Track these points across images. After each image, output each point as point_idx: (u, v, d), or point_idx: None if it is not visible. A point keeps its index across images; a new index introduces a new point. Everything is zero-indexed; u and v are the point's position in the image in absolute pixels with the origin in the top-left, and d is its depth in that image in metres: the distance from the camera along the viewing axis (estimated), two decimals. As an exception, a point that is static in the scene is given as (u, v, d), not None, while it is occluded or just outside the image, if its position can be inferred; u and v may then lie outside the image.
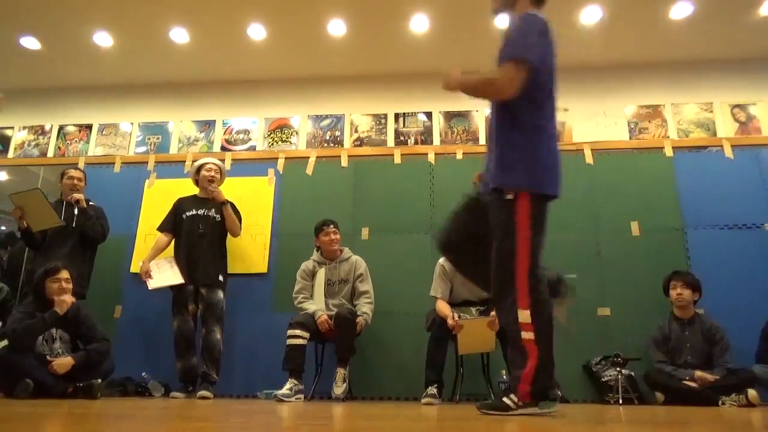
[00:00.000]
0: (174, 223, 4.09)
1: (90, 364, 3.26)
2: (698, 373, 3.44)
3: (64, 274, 3.34)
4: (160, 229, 4.12)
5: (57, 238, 3.95)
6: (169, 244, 4.10)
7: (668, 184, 4.42)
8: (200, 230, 3.97)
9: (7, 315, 3.60)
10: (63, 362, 3.15)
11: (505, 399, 2.01)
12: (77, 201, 4.03)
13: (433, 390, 3.43)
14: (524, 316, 1.97)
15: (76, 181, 4.15)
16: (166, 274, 3.95)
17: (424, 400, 3.38)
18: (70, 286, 3.36)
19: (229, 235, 4.12)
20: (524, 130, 2.07)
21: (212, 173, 4.14)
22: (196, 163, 4.24)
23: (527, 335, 1.98)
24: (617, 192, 4.44)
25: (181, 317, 3.87)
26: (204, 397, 3.59)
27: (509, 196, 2.03)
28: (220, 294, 3.92)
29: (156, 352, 4.18)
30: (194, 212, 4.04)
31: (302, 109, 5.30)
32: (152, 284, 3.92)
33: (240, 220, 4.18)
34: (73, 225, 3.97)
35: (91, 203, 4.15)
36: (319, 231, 4.01)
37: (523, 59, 2.01)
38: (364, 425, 1.39)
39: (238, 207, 4.22)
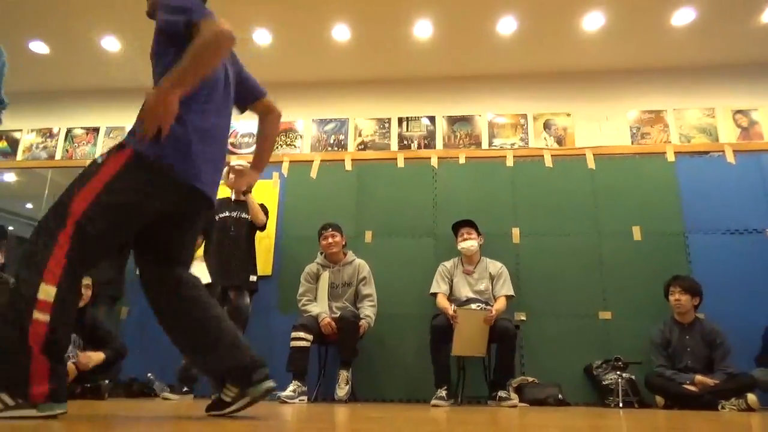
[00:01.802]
0: (205, 225, 4.12)
1: (114, 363, 3.34)
2: (698, 378, 3.47)
3: (86, 280, 3.40)
4: None
5: None
6: (200, 245, 4.13)
7: (670, 189, 4.45)
8: (232, 232, 4.01)
9: None
10: (94, 356, 3.22)
11: None
12: None
13: (441, 393, 3.55)
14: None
15: None
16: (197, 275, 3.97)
17: (432, 402, 3.50)
18: (90, 292, 3.41)
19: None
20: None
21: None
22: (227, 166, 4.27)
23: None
24: (619, 196, 4.47)
25: None
26: None
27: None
28: (248, 299, 3.97)
29: (161, 354, 4.21)
30: (227, 214, 4.08)
31: (306, 113, 5.35)
32: None
33: (267, 215, 4.20)
34: None
35: None
36: (319, 234, 4.07)
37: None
38: (366, 427, 1.43)
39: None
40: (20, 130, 5.60)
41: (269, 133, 2.21)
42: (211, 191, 1.80)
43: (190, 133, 1.71)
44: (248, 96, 2.12)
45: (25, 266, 1.52)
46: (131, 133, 1.70)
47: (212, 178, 1.80)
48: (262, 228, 4.17)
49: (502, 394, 3.53)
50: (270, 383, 1.79)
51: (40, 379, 1.46)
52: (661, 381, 3.60)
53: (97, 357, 3.23)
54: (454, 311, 3.64)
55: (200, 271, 3.97)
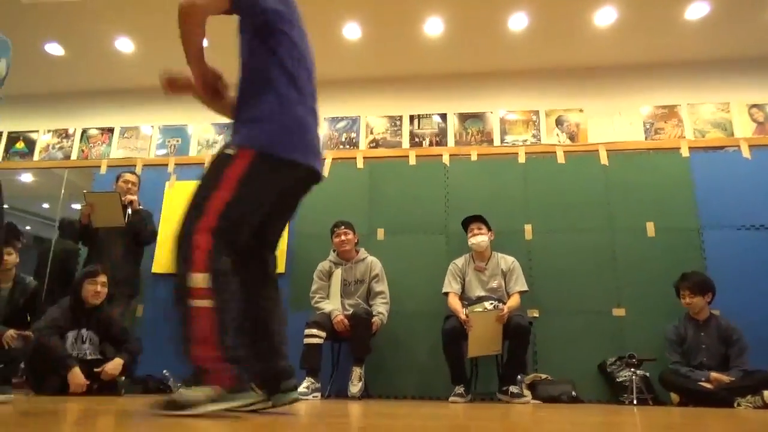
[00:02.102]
0: None
1: (130, 365, 3.40)
2: (713, 375, 3.44)
3: (102, 278, 3.44)
4: None
5: (111, 239, 4.06)
6: None
7: (684, 185, 4.41)
8: None
9: (36, 308, 3.74)
10: (116, 364, 3.28)
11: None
12: (131, 202, 4.16)
13: (460, 390, 3.58)
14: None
15: (130, 185, 4.28)
16: None
17: (450, 399, 3.56)
18: (106, 290, 3.46)
19: None
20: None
21: None
22: None
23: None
24: (632, 192, 4.44)
25: None
26: None
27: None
28: None
29: (177, 351, 4.27)
30: None
31: (318, 111, 5.36)
32: None
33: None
34: (125, 225, 4.07)
35: (140, 206, 4.27)
36: (332, 232, 4.09)
37: None
38: (379, 423, 1.44)
39: None
40: (37, 131, 5.68)
41: None
42: (321, 166, 1.85)
43: (302, 117, 1.78)
44: None
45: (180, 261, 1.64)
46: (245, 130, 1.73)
47: (320, 150, 1.86)
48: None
49: (513, 389, 3.53)
50: (295, 395, 1.83)
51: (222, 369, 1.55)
52: (675, 378, 3.57)
53: (116, 367, 3.28)
54: (467, 315, 3.62)
55: None
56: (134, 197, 4.21)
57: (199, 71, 1.84)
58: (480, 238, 3.96)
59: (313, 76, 1.98)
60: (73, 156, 5.52)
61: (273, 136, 1.70)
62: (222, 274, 1.59)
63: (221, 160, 1.69)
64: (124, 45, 5.00)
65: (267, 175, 1.70)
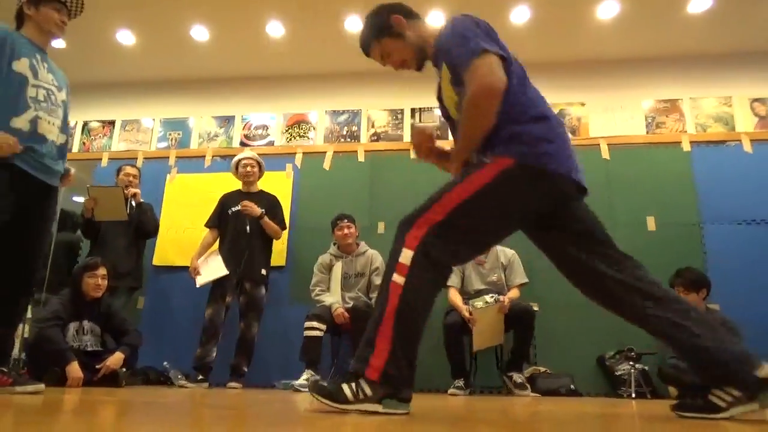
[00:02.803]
0: (219, 219, 4.15)
1: (131, 357, 3.41)
2: None
3: (102, 270, 3.44)
4: (207, 225, 4.18)
5: (114, 232, 4.06)
6: (216, 240, 4.16)
7: (685, 179, 4.40)
8: (246, 225, 4.03)
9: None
10: (116, 358, 3.28)
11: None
12: (134, 195, 4.16)
13: (459, 383, 3.60)
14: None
15: (131, 178, 4.28)
16: (212, 268, 4.01)
17: (450, 391, 3.58)
18: (106, 282, 3.47)
19: None
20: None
21: (248, 168, 4.19)
22: (234, 159, 4.30)
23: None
24: (633, 186, 4.44)
25: (216, 306, 3.91)
26: (233, 388, 3.71)
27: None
28: (263, 290, 4.01)
29: (177, 342, 4.29)
30: (239, 208, 4.06)
31: (320, 104, 5.37)
32: (200, 281, 3.99)
33: (281, 218, 4.22)
34: (129, 219, 4.07)
35: (142, 200, 4.28)
36: (334, 225, 4.08)
37: (483, 50, 1.59)
38: (383, 417, 1.45)
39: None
40: (38, 124, 5.67)
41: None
42: (582, 177, 1.74)
43: (553, 128, 1.67)
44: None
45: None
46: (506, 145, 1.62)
47: (575, 157, 1.73)
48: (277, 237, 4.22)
49: (518, 378, 3.54)
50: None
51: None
52: (674, 372, 3.58)
53: (117, 361, 3.29)
54: (470, 312, 3.62)
55: (216, 263, 4.02)
56: (137, 190, 4.21)
57: (467, 156, 1.69)
58: None
59: None
60: (75, 149, 5.52)
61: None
62: None
63: None
64: (126, 38, 5.00)
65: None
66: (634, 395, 3.53)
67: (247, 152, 4.39)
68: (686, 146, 4.56)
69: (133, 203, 4.15)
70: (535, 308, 4.15)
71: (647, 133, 4.82)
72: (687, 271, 3.71)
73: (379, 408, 1.46)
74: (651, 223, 4.32)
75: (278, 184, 4.77)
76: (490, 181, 1.57)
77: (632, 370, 3.60)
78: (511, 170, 1.57)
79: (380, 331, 1.51)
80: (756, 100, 4.77)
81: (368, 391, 1.47)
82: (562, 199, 1.72)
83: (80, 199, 4.15)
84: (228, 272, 3.93)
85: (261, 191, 4.24)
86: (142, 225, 4.15)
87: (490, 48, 1.60)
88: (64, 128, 2.53)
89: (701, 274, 3.68)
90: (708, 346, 1.52)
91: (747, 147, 4.49)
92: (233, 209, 4.10)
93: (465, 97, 1.59)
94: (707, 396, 1.54)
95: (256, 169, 4.22)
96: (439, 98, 1.89)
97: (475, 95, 1.57)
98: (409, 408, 1.53)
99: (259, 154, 4.39)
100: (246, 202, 4.01)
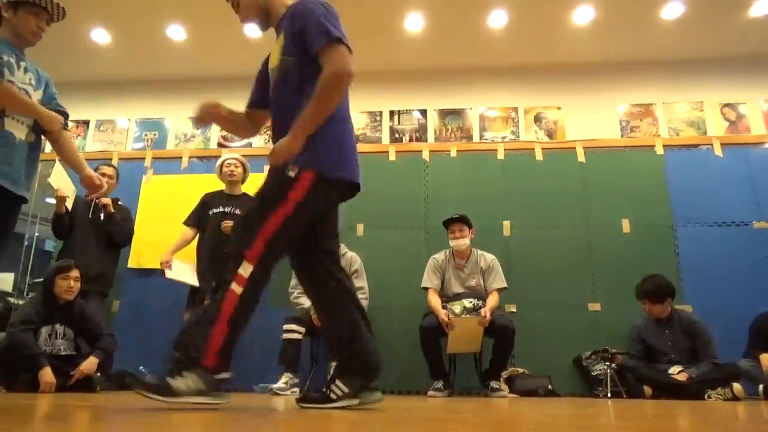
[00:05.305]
0: (200, 219, 4.09)
1: (105, 361, 3.35)
2: (673, 369, 3.52)
3: (75, 273, 3.37)
4: (186, 223, 4.12)
5: (85, 234, 3.97)
6: (194, 238, 4.09)
7: (659, 182, 4.50)
8: (226, 228, 3.97)
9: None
10: (90, 363, 3.22)
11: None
12: (104, 206, 4.02)
13: (438, 384, 3.63)
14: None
15: (107, 179, 4.17)
16: (185, 272, 3.97)
17: (429, 393, 3.61)
18: (79, 285, 3.40)
19: None
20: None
21: (231, 168, 4.13)
22: (219, 160, 4.23)
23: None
24: (608, 189, 4.52)
25: (194, 310, 3.86)
26: None
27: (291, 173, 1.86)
28: None
29: (153, 347, 4.22)
30: (221, 209, 4.01)
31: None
32: (170, 274, 3.93)
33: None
34: (100, 224, 3.99)
35: (120, 204, 4.18)
36: (312, 227, 4.06)
37: (339, 38, 1.80)
38: (357, 418, 1.45)
39: None
40: (9, 123, 5.54)
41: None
42: (359, 177, 1.94)
43: (345, 135, 1.91)
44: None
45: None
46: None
47: (357, 162, 1.95)
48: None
49: (494, 384, 3.58)
50: (379, 395, 2.00)
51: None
52: (647, 372, 3.64)
53: (90, 367, 3.23)
54: (449, 319, 3.62)
55: (191, 274, 3.96)
56: (108, 200, 4.03)
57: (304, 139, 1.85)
58: (462, 242, 3.93)
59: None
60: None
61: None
62: None
63: None
64: (101, 36, 4.92)
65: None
66: (609, 395, 3.58)
67: (233, 153, 4.34)
68: (660, 150, 4.66)
69: (101, 216, 4.04)
70: (513, 309, 4.20)
71: (622, 136, 4.90)
72: (650, 282, 3.73)
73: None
74: (626, 225, 4.39)
75: (256, 186, 4.72)
76: (302, 200, 1.81)
77: (608, 370, 3.65)
78: (315, 184, 1.81)
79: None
80: (726, 105, 4.89)
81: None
82: (342, 201, 2.00)
83: (52, 201, 4.05)
84: (197, 284, 3.88)
85: (244, 194, 4.19)
86: (112, 235, 4.05)
87: (343, 39, 1.80)
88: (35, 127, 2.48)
89: (664, 284, 3.70)
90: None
91: (718, 151, 4.60)
92: (214, 210, 4.04)
93: (320, 77, 1.77)
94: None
95: (240, 170, 4.16)
96: (266, 62, 2.16)
97: (336, 77, 1.78)
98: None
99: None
100: (227, 223, 3.87)
